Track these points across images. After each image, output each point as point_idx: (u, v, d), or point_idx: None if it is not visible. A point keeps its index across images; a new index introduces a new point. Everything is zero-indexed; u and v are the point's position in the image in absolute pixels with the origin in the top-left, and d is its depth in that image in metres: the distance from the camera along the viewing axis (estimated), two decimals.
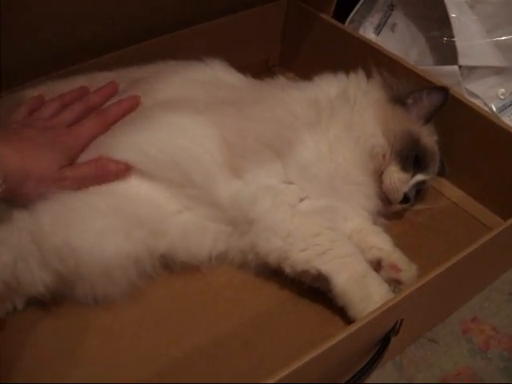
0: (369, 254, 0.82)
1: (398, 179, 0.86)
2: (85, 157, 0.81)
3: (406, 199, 0.87)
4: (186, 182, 0.79)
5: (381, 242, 0.83)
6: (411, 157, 0.87)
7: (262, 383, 0.56)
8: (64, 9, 0.86)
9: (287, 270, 0.78)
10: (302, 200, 0.80)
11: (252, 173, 0.79)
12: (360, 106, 0.87)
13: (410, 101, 0.90)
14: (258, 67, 0.98)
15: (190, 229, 0.81)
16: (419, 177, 0.89)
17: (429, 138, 0.91)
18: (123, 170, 0.79)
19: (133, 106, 0.86)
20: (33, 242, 0.76)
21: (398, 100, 0.90)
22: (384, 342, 0.70)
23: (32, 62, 0.88)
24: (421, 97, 0.90)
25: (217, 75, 0.90)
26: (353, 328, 0.63)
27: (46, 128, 0.81)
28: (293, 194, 0.80)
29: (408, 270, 0.80)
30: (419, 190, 0.91)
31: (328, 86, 0.90)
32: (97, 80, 0.92)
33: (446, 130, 0.94)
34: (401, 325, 0.70)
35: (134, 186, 0.79)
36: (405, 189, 0.87)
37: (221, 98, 0.85)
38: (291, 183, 0.81)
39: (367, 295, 0.74)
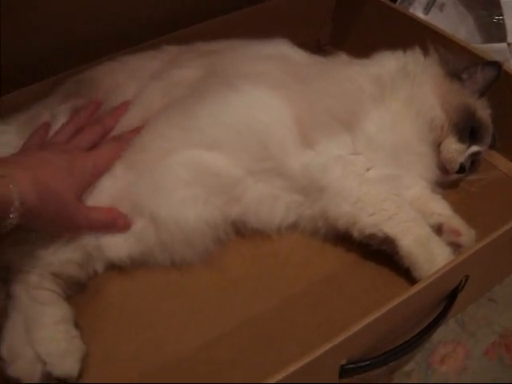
0: (430, 219, 0.87)
1: (455, 150, 0.91)
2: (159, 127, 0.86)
3: (461, 169, 0.92)
4: (262, 153, 0.84)
5: (441, 208, 0.88)
6: (467, 129, 0.92)
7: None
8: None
9: (355, 233, 0.84)
10: (368, 169, 0.85)
11: (323, 144, 0.85)
12: (419, 81, 0.92)
13: (464, 76, 0.95)
14: (310, 47, 1.02)
15: (262, 198, 0.87)
16: (474, 148, 0.93)
17: (483, 111, 0.95)
18: (128, 227, 0.82)
19: None
20: None
21: (454, 75, 0.94)
22: (451, 298, 0.75)
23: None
24: (475, 72, 0.94)
25: (283, 52, 0.95)
26: (426, 281, 0.68)
27: (63, 151, 0.79)
28: (360, 163, 0.85)
29: (467, 234, 0.85)
30: (473, 161, 0.95)
31: (388, 63, 0.94)
32: (166, 53, 0.97)
33: (497, 104, 0.98)
34: (466, 282, 0.76)
35: (213, 159, 0.84)
36: (461, 159, 0.92)
37: (289, 73, 0.90)
38: (359, 154, 0.86)
39: (431, 256, 0.79)
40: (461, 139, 0.91)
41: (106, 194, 0.82)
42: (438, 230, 0.86)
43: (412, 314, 0.73)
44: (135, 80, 0.92)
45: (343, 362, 0.67)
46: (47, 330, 0.76)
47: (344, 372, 0.68)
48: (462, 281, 0.75)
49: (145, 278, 0.86)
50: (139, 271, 0.86)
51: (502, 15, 1.06)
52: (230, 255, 0.89)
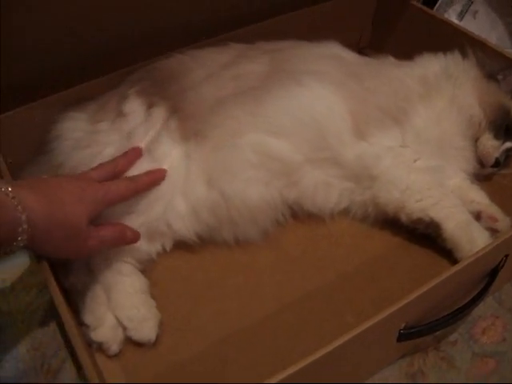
0: (470, 206, 0.96)
1: (491, 146, 1.00)
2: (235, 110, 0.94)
3: (496, 163, 1.01)
4: (321, 143, 0.94)
5: (479, 197, 0.98)
6: (502, 126, 1.01)
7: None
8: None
9: (403, 218, 0.93)
10: (415, 160, 0.95)
11: (375, 136, 0.94)
12: (460, 81, 1.01)
13: (500, 77, 1.04)
14: (350, 48, 1.11)
15: (318, 184, 0.96)
16: (508, 144, 1.02)
17: None
18: (137, 237, 0.86)
19: (160, 177, 0.90)
20: (183, 198, 0.92)
21: (491, 76, 1.03)
22: (493, 275, 0.84)
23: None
24: (510, 73, 1.04)
25: (336, 52, 1.04)
26: (472, 258, 0.77)
27: (76, 179, 0.80)
28: (409, 154, 0.95)
29: (503, 220, 0.94)
30: (507, 156, 1.04)
31: (432, 65, 1.03)
32: (232, 49, 1.05)
33: None
34: (506, 260, 0.85)
35: (278, 145, 0.93)
36: (496, 154, 1.00)
37: (344, 72, 0.99)
38: (407, 146, 0.95)
39: (472, 239, 0.89)
40: (496, 136, 1.00)
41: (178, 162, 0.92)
42: (477, 216, 0.95)
43: (459, 288, 0.82)
44: (205, 68, 1.01)
45: (401, 326, 0.76)
46: (128, 297, 0.86)
47: (402, 336, 0.77)
48: (502, 259, 0.84)
49: (210, 256, 0.96)
50: (205, 251, 0.97)
51: None
52: (287, 237, 0.99)
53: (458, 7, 1.29)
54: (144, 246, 0.91)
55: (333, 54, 1.03)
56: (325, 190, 0.97)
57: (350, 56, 1.05)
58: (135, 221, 0.89)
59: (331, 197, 0.98)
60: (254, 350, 0.83)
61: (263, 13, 1.21)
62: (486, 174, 1.05)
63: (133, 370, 0.82)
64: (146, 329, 0.84)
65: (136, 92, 0.99)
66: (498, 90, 1.03)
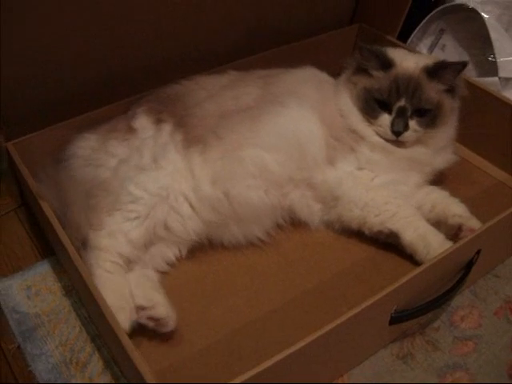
0: (451, 220, 1.07)
1: (380, 125, 1.10)
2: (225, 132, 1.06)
3: (396, 133, 1.08)
4: (302, 162, 1.07)
5: (460, 211, 1.09)
6: (373, 104, 1.10)
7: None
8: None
9: (366, 231, 1.08)
10: (373, 179, 1.09)
11: (339, 161, 1.09)
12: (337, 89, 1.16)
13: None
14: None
15: (299, 203, 1.10)
16: (386, 116, 1.09)
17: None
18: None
19: None
20: (185, 200, 1.04)
21: (358, 69, 1.14)
22: (468, 267, 0.97)
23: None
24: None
25: (315, 75, 1.18)
26: (447, 252, 0.90)
27: None
28: (365, 176, 1.09)
29: None
30: (404, 118, 1.07)
31: None
32: (232, 74, 1.19)
33: (488, 122, 1.25)
34: (479, 254, 0.98)
35: (271, 161, 1.06)
36: (387, 129, 1.08)
37: (321, 93, 1.13)
38: (363, 168, 1.09)
39: (428, 244, 1.01)
40: (373, 116, 1.10)
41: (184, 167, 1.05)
42: (458, 229, 1.05)
43: (440, 277, 0.94)
44: (207, 90, 1.14)
45: (392, 310, 0.88)
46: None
47: (393, 319, 0.88)
48: (475, 254, 0.97)
49: (218, 261, 1.08)
50: (212, 257, 1.08)
51: (494, 54, 1.31)
52: (286, 243, 1.11)
53: (428, 41, 1.45)
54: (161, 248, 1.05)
55: (312, 77, 1.17)
56: (305, 208, 1.11)
57: (325, 78, 1.18)
58: (139, 227, 1.00)
59: (313, 213, 1.11)
60: (262, 339, 0.94)
61: (254, 48, 1.36)
62: (408, 140, 1.09)
63: (154, 360, 0.91)
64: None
65: (144, 111, 1.12)
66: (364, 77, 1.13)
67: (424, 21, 1.44)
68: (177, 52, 1.23)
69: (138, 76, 1.19)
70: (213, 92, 1.14)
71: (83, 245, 0.98)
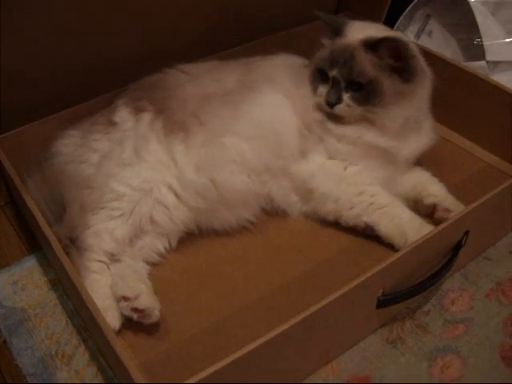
0: (426, 200, 1.08)
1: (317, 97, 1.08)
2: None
3: (329, 104, 1.05)
4: (278, 150, 1.06)
5: (437, 190, 1.09)
6: (314, 76, 1.09)
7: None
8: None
9: (343, 224, 1.07)
10: (345, 168, 1.07)
11: (310, 153, 1.07)
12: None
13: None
14: None
15: (276, 193, 1.09)
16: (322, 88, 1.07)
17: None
18: None
19: None
20: (169, 190, 1.03)
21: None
22: (457, 248, 0.96)
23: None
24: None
25: (292, 61, 1.17)
26: (434, 231, 0.90)
27: None
28: (336, 166, 1.07)
29: (457, 210, 1.04)
30: (337, 91, 1.04)
31: None
32: (214, 62, 1.19)
33: (479, 107, 1.24)
34: (467, 236, 0.96)
35: (249, 149, 1.05)
36: (322, 101, 1.06)
37: (297, 81, 1.11)
38: (334, 158, 1.07)
39: (404, 233, 1.00)
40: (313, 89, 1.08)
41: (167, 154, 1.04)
42: (433, 208, 1.06)
43: (428, 259, 0.93)
44: (190, 75, 1.14)
45: (379, 293, 0.87)
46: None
47: (381, 302, 0.87)
48: (464, 235, 0.96)
49: (204, 250, 1.07)
50: (199, 245, 1.07)
51: (480, 38, 1.30)
52: (273, 231, 1.10)
53: (414, 28, 1.44)
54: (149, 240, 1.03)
55: (288, 63, 1.15)
56: (284, 196, 1.10)
57: (301, 63, 1.16)
58: (124, 224, 1.00)
59: (290, 204, 1.10)
60: (250, 327, 0.92)
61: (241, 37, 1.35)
62: (342, 114, 1.05)
63: (140, 351, 0.90)
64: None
65: (124, 102, 1.12)
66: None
67: (409, 7, 1.43)
68: (160, 45, 1.21)
69: (127, 68, 1.17)
70: (195, 76, 1.14)
71: (71, 242, 0.97)
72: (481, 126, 1.26)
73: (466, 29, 1.38)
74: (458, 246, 0.96)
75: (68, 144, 1.11)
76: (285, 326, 0.76)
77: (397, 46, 1.01)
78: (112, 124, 1.10)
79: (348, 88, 1.04)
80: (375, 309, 0.89)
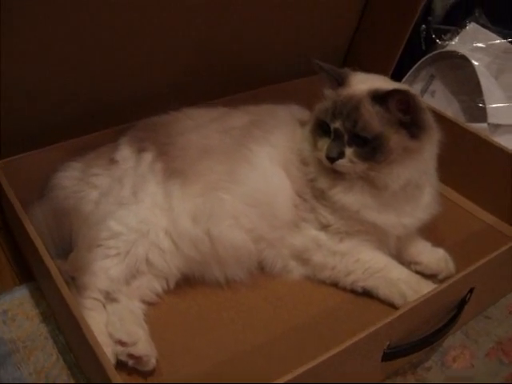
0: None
1: (318, 151, 1.02)
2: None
3: (330, 159, 0.98)
4: (273, 222, 1.04)
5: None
6: (316, 129, 1.04)
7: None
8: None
9: (342, 287, 1.05)
10: (341, 241, 1.04)
11: (303, 224, 1.05)
12: None
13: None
14: None
15: (272, 260, 1.07)
16: (322, 141, 1.01)
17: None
18: None
19: None
20: (166, 234, 1.00)
21: None
22: (461, 305, 0.95)
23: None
24: None
25: (296, 117, 1.15)
26: (439, 288, 0.89)
27: None
28: (331, 239, 1.04)
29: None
30: (339, 145, 0.98)
31: None
32: (220, 109, 1.17)
33: (478, 164, 1.25)
34: (471, 293, 0.96)
35: (246, 215, 1.03)
36: (322, 155, 1.00)
37: (294, 142, 1.08)
38: (330, 225, 1.04)
39: (402, 294, 0.99)
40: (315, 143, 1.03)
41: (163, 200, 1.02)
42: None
43: (433, 314, 0.92)
44: (195, 120, 1.12)
45: (385, 346, 0.85)
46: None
47: (386, 355, 0.85)
48: (468, 292, 0.95)
49: (202, 294, 1.04)
50: (197, 289, 1.04)
51: (483, 100, 1.33)
52: (272, 278, 1.07)
53: (418, 87, 1.48)
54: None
55: (289, 121, 1.14)
56: (283, 263, 1.07)
57: (304, 118, 1.14)
58: (120, 263, 0.97)
59: (289, 270, 1.08)
60: (248, 373, 0.90)
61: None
62: (343, 170, 1.00)
63: None
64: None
65: (127, 141, 1.11)
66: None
67: (415, 66, 1.47)
68: (166, 84, 1.23)
69: (131, 105, 1.18)
70: (200, 123, 1.12)
71: (73, 280, 0.95)
72: (481, 186, 1.27)
73: (468, 91, 1.41)
74: (462, 303, 0.96)
75: (68, 177, 1.09)
76: (288, 377, 0.73)
77: (407, 99, 0.95)
78: (113, 162, 1.08)
79: (351, 142, 0.97)
80: (380, 361, 0.87)
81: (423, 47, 1.52)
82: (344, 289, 1.05)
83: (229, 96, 1.32)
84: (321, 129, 1.02)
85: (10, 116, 1.06)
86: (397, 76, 1.46)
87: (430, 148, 1.02)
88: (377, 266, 1.03)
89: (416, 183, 1.02)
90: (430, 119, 1.03)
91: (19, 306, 1.01)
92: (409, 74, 1.47)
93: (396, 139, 0.97)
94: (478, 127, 1.35)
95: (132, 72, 1.17)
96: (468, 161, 1.26)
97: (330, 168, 1.00)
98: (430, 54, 1.46)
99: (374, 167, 0.98)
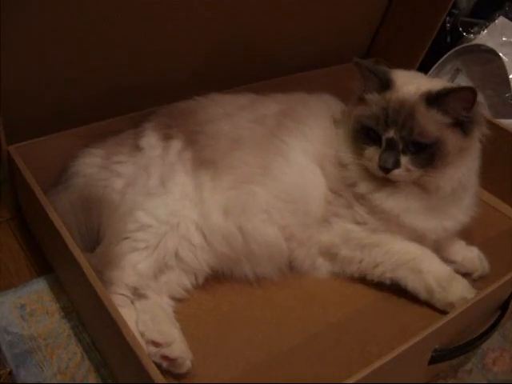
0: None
1: (367, 159, 0.96)
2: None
3: (384, 169, 0.93)
4: (304, 219, 0.99)
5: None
6: (362, 136, 0.97)
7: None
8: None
9: (370, 281, 1.00)
10: (370, 236, 0.99)
11: (335, 217, 1.01)
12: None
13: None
14: None
15: (303, 259, 1.02)
16: (373, 149, 0.95)
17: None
18: None
19: None
20: (196, 228, 0.96)
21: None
22: (504, 307, 0.92)
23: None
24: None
25: (330, 109, 1.09)
26: (483, 293, 0.85)
27: None
28: (361, 234, 0.99)
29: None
30: (392, 152, 0.92)
31: None
32: (249, 95, 1.11)
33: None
34: None
35: (278, 212, 0.98)
36: (374, 164, 0.94)
37: (329, 136, 1.03)
38: (364, 223, 0.99)
39: (429, 289, 0.95)
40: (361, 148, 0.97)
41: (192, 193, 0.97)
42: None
43: (477, 317, 0.90)
44: (223, 107, 1.06)
45: (433, 349, 0.81)
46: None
47: (434, 359, 0.82)
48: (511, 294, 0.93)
49: (234, 291, 0.99)
50: (227, 286, 1.00)
51: (511, 95, 1.30)
52: (304, 276, 1.03)
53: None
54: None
55: (323, 112, 1.08)
56: (312, 261, 1.03)
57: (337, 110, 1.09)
58: (149, 258, 0.92)
59: (316, 267, 1.04)
60: (285, 377, 0.86)
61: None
62: (399, 179, 0.95)
63: None
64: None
65: (153, 127, 1.04)
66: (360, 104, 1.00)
67: (441, 60, 1.43)
68: (187, 71, 1.17)
69: (149, 91, 1.12)
70: (229, 111, 1.06)
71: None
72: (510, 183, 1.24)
73: (494, 85, 1.38)
74: (505, 304, 0.93)
75: (89, 164, 1.02)
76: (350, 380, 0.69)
77: (473, 96, 0.89)
78: (138, 148, 1.02)
79: (406, 150, 0.92)
80: (427, 365, 0.83)
81: (448, 40, 1.48)
82: (373, 281, 1.00)
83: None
84: (367, 137, 0.95)
85: (22, 101, 0.99)
86: (420, 69, 1.42)
87: (477, 144, 0.98)
88: (406, 257, 0.97)
89: (464, 184, 0.98)
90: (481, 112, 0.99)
91: (38, 300, 0.96)
92: (434, 67, 1.43)
93: (453, 141, 0.92)
94: (505, 124, 1.32)
95: (152, 58, 1.11)
96: (498, 159, 1.23)
97: (383, 178, 0.95)
98: (456, 48, 1.43)
99: (428, 172, 0.94)
